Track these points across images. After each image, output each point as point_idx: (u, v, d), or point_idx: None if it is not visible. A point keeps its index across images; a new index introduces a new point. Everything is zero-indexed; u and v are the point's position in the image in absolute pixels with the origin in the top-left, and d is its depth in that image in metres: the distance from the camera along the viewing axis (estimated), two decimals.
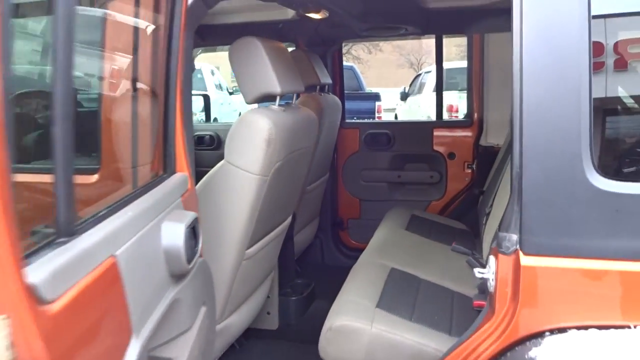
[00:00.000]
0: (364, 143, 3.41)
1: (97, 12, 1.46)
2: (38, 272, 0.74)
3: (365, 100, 10.12)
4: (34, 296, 0.70)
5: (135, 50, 1.26)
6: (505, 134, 2.96)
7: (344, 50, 4.70)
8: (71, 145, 0.85)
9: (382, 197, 3.37)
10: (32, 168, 1.30)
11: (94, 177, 1.44)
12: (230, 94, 12.15)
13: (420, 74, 13.48)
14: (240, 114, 7.96)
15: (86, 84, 1.66)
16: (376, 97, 10.49)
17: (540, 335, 1.24)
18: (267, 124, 1.69)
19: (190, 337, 1.19)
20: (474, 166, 3.29)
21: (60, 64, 0.83)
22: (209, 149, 3.60)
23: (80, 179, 0.99)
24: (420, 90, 12.34)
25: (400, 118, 12.88)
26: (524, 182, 1.22)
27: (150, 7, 1.24)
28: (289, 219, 2.24)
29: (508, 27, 1.62)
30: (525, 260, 1.23)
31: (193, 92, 1.98)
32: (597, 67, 1.40)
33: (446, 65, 12.35)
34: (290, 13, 2.80)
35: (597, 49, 1.40)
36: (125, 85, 1.26)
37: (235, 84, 10.95)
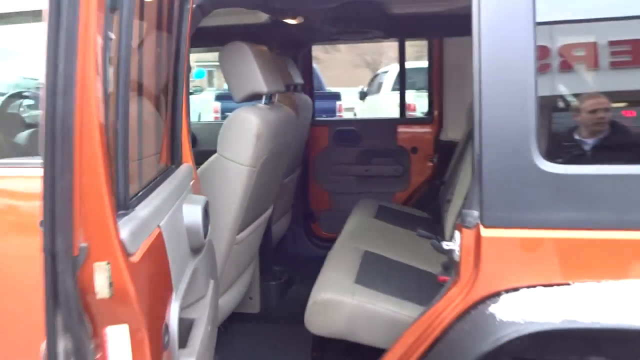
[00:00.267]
0: (333, 139, 3.62)
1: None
2: (123, 232, 0.92)
3: (326, 100, 10.32)
4: (124, 249, 0.89)
5: (156, 56, 1.42)
6: (463, 129, 3.23)
7: None
8: (126, 139, 1.02)
9: (350, 189, 3.59)
10: None
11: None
12: (190, 94, 12.16)
13: (377, 74, 13.77)
14: (200, 114, 8.02)
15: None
16: (337, 96, 10.73)
17: (497, 294, 1.46)
18: (256, 120, 1.88)
19: (206, 303, 1.36)
20: (435, 159, 3.55)
21: (122, 72, 0.99)
22: None
23: None
24: (378, 90, 12.61)
25: (360, 117, 13.15)
26: (484, 166, 1.45)
27: (164, 17, 1.40)
28: (271, 209, 2.43)
29: (465, 32, 1.85)
30: (485, 232, 1.46)
31: None
32: (542, 68, 1.63)
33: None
34: (263, 17, 2.97)
35: (542, 52, 1.64)
36: (149, 86, 1.41)
37: (196, 85, 10.94)
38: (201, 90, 11.44)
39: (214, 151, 1.96)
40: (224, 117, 8.06)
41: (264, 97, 2.04)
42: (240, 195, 1.89)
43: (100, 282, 0.81)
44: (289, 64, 3.00)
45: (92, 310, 0.84)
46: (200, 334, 1.19)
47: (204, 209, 1.32)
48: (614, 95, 1.75)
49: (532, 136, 1.42)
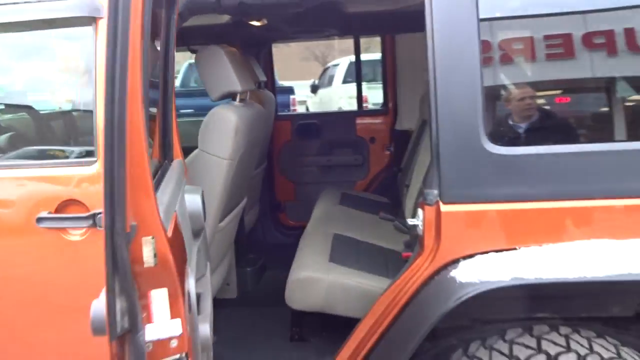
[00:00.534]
0: (296, 133, 3.81)
1: None
2: (161, 212, 1.07)
3: (280, 94, 10.45)
4: (163, 226, 1.04)
5: (153, 61, 1.56)
6: (416, 119, 3.48)
7: None
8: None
9: (314, 180, 3.79)
10: None
11: None
12: None
13: (328, 67, 13.97)
14: None
15: None
16: (290, 90, 10.89)
17: (456, 261, 1.68)
18: (234, 117, 2.05)
19: (207, 280, 1.53)
20: (392, 148, 3.79)
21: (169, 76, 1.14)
22: None
23: None
24: (330, 83, 12.80)
25: (312, 110, 13.33)
26: (440, 150, 1.66)
27: (157, 27, 1.54)
28: (245, 199, 2.59)
29: (415, 28, 2.03)
30: (444, 208, 1.67)
31: None
32: (486, 61, 1.79)
33: (353, 58, 12.92)
34: (225, 18, 3.11)
35: (486, 46, 1.85)
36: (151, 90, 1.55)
37: None
38: None
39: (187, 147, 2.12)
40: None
41: (238, 96, 2.21)
42: (222, 186, 2.06)
43: (147, 253, 0.97)
44: (252, 62, 3.16)
45: (139, 277, 1.00)
46: (209, 305, 1.36)
47: (202, 198, 1.48)
48: (548, 84, 1.99)
49: (479, 122, 1.64)
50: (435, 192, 1.69)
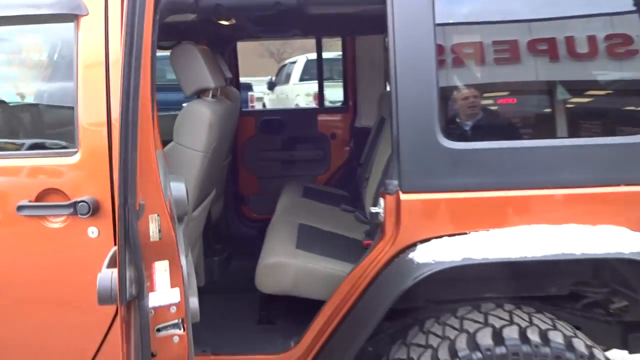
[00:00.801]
0: (259, 128, 3.93)
1: None
2: None
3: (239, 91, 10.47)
4: (166, 205, 1.16)
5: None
6: (375, 117, 3.66)
7: None
8: None
9: (277, 173, 3.92)
10: None
11: None
12: None
13: (285, 65, 14.06)
14: None
15: None
16: (249, 87, 10.95)
17: (414, 245, 1.85)
18: (208, 111, 2.16)
19: (190, 260, 1.64)
20: (351, 144, 3.97)
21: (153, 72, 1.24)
22: None
23: None
24: (287, 81, 12.92)
25: (269, 107, 13.40)
26: (400, 144, 1.83)
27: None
28: (215, 191, 2.71)
29: (374, 31, 2.15)
30: (404, 197, 1.84)
31: None
32: (441, 63, 1.94)
33: (310, 56, 13.09)
34: (191, 15, 3.20)
35: (440, 49, 2.00)
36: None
37: None
38: None
39: None
40: None
41: (210, 91, 2.32)
42: (195, 177, 2.17)
43: (153, 228, 1.09)
44: (219, 59, 3.26)
45: (145, 250, 1.11)
46: (194, 282, 1.48)
47: (185, 186, 1.60)
48: (496, 86, 2.17)
49: (435, 119, 1.82)
50: (396, 182, 1.85)
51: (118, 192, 1.03)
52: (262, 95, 14.27)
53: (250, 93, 11.07)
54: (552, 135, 1.96)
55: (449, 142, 1.83)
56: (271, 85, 13.70)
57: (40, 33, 1.95)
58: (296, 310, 2.32)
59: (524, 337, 1.78)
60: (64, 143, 1.91)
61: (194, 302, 1.29)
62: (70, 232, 1.85)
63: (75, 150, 1.86)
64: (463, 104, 2.01)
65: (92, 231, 1.84)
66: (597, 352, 1.82)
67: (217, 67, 2.49)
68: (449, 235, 1.84)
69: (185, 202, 1.56)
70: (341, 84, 4.62)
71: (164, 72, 6.51)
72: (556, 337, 1.80)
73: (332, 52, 7.00)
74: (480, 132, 2.00)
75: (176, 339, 1.20)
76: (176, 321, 1.18)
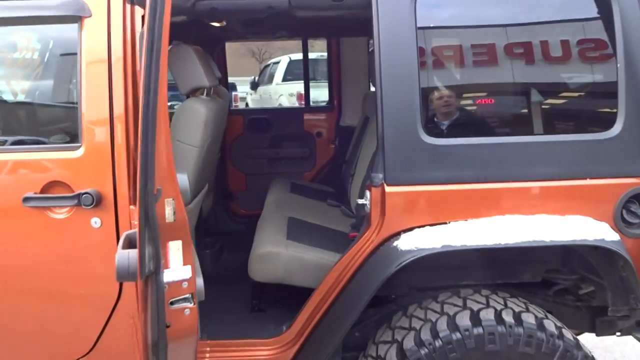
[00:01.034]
0: (247, 127, 4.04)
1: None
2: None
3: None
4: (179, 191, 1.28)
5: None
6: (359, 116, 3.80)
7: None
8: None
9: (264, 171, 4.03)
10: None
11: None
12: None
13: (268, 65, 14.14)
14: None
15: None
16: (233, 87, 11.03)
17: (398, 234, 1.98)
18: (203, 109, 2.28)
19: (192, 246, 1.76)
20: (336, 142, 4.11)
21: None
22: None
23: None
24: (270, 81, 13.01)
25: (252, 107, 13.47)
26: (385, 140, 1.97)
27: None
28: (207, 185, 2.82)
29: (358, 33, 2.22)
30: (388, 189, 1.97)
31: None
32: (422, 65, 2.05)
33: (293, 56, 13.17)
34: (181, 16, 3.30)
35: (422, 52, 2.09)
36: None
37: None
38: None
39: None
40: None
41: (205, 90, 2.44)
42: (192, 171, 2.28)
43: (169, 211, 1.20)
44: (210, 60, 3.37)
45: (161, 231, 1.23)
46: (198, 264, 1.59)
47: (187, 177, 1.72)
48: (474, 86, 2.28)
49: (417, 117, 1.96)
50: (381, 175, 1.98)
51: (140, 177, 1.15)
52: (245, 95, 14.32)
53: (234, 93, 11.16)
54: (524, 132, 2.11)
55: (430, 138, 1.97)
56: (254, 85, 13.77)
57: (44, 33, 2.05)
58: (286, 299, 2.44)
59: (499, 319, 1.93)
60: (68, 138, 2.01)
61: (199, 282, 1.41)
62: (74, 222, 1.95)
63: (79, 145, 1.96)
64: (437, 104, 2.15)
65: (95, 221, 1.95)
66: (566, 332, 1.98)
67: (210, 66, 2.61)
68: (430, 225, 1.98)
69: (188, 192, 1.67)
70: (323, 84, 4.76)
71: None
72: (529, 318, 1.95)
73: (314, 52, 7.08)
74: (459, 128, 2.14)
75: (187, 311, 1.32)
76: (187, 295, 1.30)
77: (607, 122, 2.02)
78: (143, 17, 1.98)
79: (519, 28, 2.18)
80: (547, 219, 1.97)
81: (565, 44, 2.11)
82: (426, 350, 1.91)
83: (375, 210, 2.01)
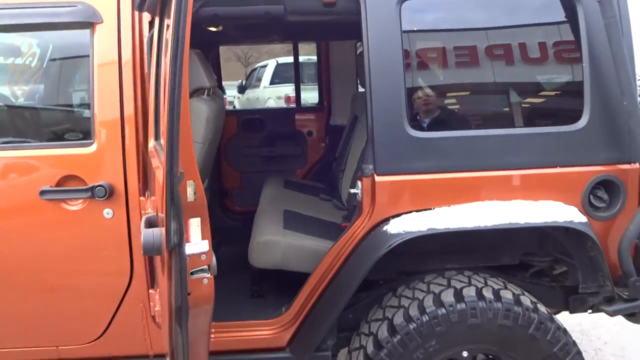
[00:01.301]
0: (241, 127, 4.21)
1: None
2: None
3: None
4: (198, 174, 1.45)
5: None
6: (348, 115, 3.98)
7: None
8: None
9: (258, 169, 4.19)
10: None
11: None
12: None
13: (256, 68, 14.27)
14: None
15: None
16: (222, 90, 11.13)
17: (387, 219, 2.14)
18: (206, 107, 2.45)
19: None
20: (326, 141, 4.29)
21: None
22: None
23: None
24: (257, 84, 13.16)
25: (264, 107, 13.55)
26: (374, 134, 2.15)
27: None
28: (207, 181, 2.98)
29: (347, 37, 2.34)
30: (378, 179, 2.13)
31: None
32: (408, 66, 2.22)
33: (281, 60, 13.29)
34: None
35: (407, 54, 2.24)
36: None
37: None
38: None
39: None
40: None
41: (206, 91, 2.61)
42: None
43: (190, 191, 1.37)
44: (207, 62, 3.54)
45: (183, 209, 1.40)
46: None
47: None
48: (456, 85, 2.44)
49: (404, 113, 2.14)
50: (371, 166, 2.16)
51: (166, 162, 1.31)
52: (233, 98, 14.43)
53: (223, 96, 11.24)
54: (501, 126, 2.29)
55: (415, 132, 2.16)
56: (242, 89, 13.85)
57: (58, 38, 2.21)
58: (283, 286, 2.60)
59: (480, 295, 2.12)
60: (81, 135, 2.17)
61: (213, 258, 1.58)
62: (88, 213, 2.11)
63: (92, 141, 2.12)
64: (425, 100, 2.34)
65: (107, 212, 2.11)
66: (540, 306, 2.17)
67: (209, 68, 2.78)
68: (417, 211, 2.15)
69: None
70: (309, 86, 4.94)
71: None
72: (507, 295, 2.15)
73: (302, 56, 7.20)
74: (441, 123, 2.33)
75: (205, 280, 1.50)
76: (205, 267, 1.48)
77: (575, 116, 2.21)
78: (150, 22, 2.16)
79: (496, 31, 2.37)
80: (522, 204, 2.16)
81: (539, 45, 2.31)
82: (414, 324, 2.09)
83: (366, 198, 2.19)
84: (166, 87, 1.34)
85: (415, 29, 2.28)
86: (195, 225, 1.42)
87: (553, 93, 2.43)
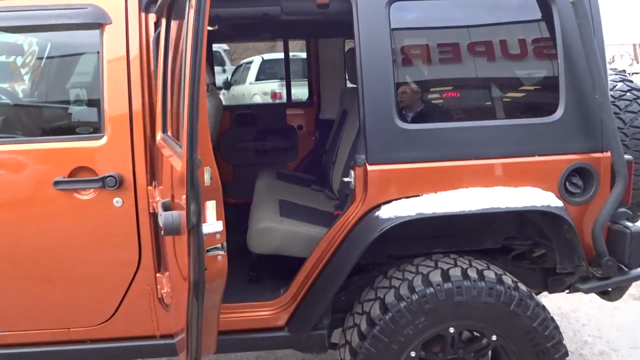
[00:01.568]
0: (234, 121, 4.34)
1: None
2: None
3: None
4: (213, 161, 1.59)
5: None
6: (337, 110, 4.13)
7: None
8: None
9: (250, 162, 4.31)
10: None
11: None
12: None
13: (241, 65, 14.34)
14: None
15: None
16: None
17: (379, 206, 2.29)
18: (206, 102, 2.58)
19: None
20: (316, 134, 4.43)
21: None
22: None
23: None
24: (243, 80, 13.24)
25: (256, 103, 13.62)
26: (366, 126, 2.29)
27: None
28: None
29: (336, 34, 2.46)
30: (370, 168, 2.27)
31: None
32: (396, 62, 2.34)
33: (266, 56, 13.37)
34: None
35: (395, 51, 2.36)
36: None
37: None
38: None
39: None
40: None
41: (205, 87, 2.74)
42: None
43: (207, 176, 1.52)
44: None
45: (201, 193, 1.54)
46: None
47: None
48: (442, 82, 2.60)
49: (393, 106, 2.29)
50: (363, 156, 2.31)
51: (187, 149, 1.45)
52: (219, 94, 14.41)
53: None
54: (483, 118, 2.46)
55: (404, 124, 2.31)
56: (227, 85, 13.88)
57: (71, 38, 2.33)
58: (278, 272, 2.74)
59: (465, 275, 2.28)
60: (92, 129, 2.30)
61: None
62: (99, 202, 2.24)
63: (102, 134, 2.25)
64: (412, 94, 2.50)
65: (117, 201, 2.24)
66: (521, 285, 2.34)
67: (207, 66, 2.91)
68: (406, 197, 2.30)
69: None
70: (297, 82, 5.06)
71: None
72: (490, 274, 2.32)
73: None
74: (428, 115, 2.49)
75: (220, 257, 1.64)
76: (219, 245, 1.62)
77: (551, 109, 2.39)
78: (155, 23, 2.29)
79: (478, 29, 2.52)
80: (503, 190, 2.31)
81: (518, 43, 2.47)
82: (404, 303, 2.25)
83: (358, 186, 2.34)
84: (187, 82, 1.48)
85: (403, 27, 2.42)
86: (211, 207, 1.57)
87: (531, 87, 2.61)
